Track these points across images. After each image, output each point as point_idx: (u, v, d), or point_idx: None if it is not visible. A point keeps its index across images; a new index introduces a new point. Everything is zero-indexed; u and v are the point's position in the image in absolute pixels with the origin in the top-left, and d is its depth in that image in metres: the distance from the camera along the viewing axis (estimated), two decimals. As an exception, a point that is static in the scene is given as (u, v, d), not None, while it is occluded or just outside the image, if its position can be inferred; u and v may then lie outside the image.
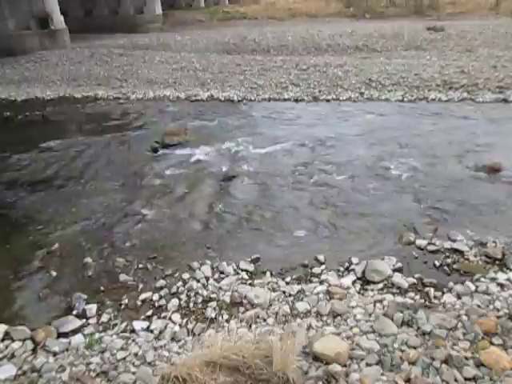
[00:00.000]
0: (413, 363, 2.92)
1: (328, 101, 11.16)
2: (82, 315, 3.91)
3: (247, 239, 5.13)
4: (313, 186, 6.48)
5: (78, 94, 13.77)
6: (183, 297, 4.08)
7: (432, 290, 3.87)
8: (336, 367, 2.89)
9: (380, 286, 4.02)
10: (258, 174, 7.02)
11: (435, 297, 3.77)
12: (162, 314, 3.87)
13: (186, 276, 4.38)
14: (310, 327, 3.42)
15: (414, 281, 4.07)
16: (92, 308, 3.98)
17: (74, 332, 3.70)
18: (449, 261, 4.37)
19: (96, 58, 18.15)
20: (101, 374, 3.18)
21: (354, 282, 4.10)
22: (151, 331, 3.64)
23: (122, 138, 9.47)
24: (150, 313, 3.91)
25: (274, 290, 4.04)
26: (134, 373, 3.15)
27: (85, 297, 4.14)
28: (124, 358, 3.33)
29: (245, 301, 3.90)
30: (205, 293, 4.08)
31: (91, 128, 10.47)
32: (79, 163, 8.05)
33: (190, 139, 8.84)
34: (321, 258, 4.56)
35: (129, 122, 10.70)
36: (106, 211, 6.05)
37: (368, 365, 2.94)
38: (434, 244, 4.67)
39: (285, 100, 11.47)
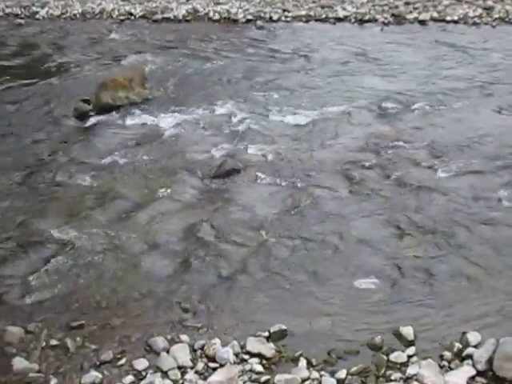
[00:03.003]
0: None
1: (423, 22, 11.09)
2: None
3: (261, 293, 5.14)
4: (390, 190, 6.49)
5: None
6: (136, 404, 4.09)
7: None
8: None
9: (523, 388, 3.99)
10: (281, 167, 7.07)
11: None
12: None
13: (141, 364, 4.38)
14: None
15: None
16: (-40, 423, 3.99)
17: None
18: None
19: None
20: None
21: (471, 380, 4.08)
22: None
23: (19, 91, 9.60)
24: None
25: (313, 395, 4.03)
26: None
27: None
28: None
29: (257, 415, 3.89)
30: (178, 397, 4.08)
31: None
32: None
33: (150, 96, 8.92)
34: (406, 331, 4.53)
35: (33, 62, 10.86)
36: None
37: None
38: None
39: (337, 21, 11.46)
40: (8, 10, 13.44)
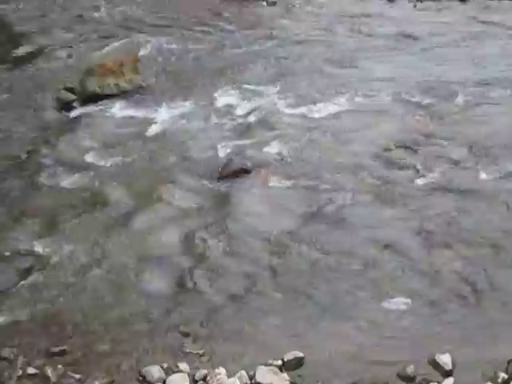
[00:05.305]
0: None
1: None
2: None
3: (273, 315, 5.12)
4: (425, 194, 6.47)
5: None
6: None
7: None
8: None
9: None
10: (298, 167, 7.06)
11: None
12: None
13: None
14: None
15: None
16: None
17: None
18: None
19: None
20: None
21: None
22: None
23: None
24: None
25: None
26: None
27: None
28: None
29: None
30: None
31: None
32: None
33: (143, 84, 8.94)
34: (443, 360, 4.49)
35: (7, 44, 10.80)
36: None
37: None
38: None
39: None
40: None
